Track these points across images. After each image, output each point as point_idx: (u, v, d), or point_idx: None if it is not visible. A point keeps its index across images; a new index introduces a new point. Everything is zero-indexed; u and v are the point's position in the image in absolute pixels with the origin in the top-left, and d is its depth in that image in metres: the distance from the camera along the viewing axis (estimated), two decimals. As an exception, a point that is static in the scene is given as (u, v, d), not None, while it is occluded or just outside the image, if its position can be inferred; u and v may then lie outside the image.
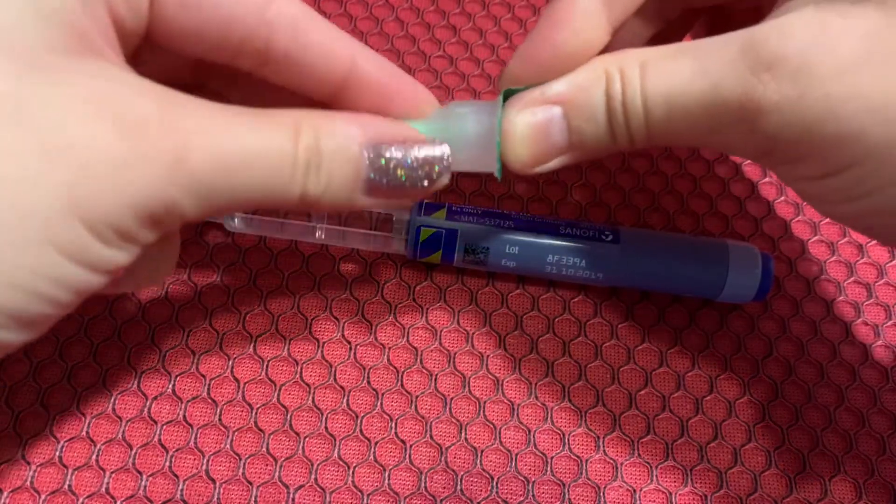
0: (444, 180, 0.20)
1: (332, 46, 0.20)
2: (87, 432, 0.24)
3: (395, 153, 0.19)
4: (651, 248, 0.27)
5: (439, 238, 0.26)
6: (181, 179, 0.16)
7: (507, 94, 0.21)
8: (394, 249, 0.27)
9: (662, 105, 0.19)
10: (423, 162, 0.19)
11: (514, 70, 0.21)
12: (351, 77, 0.20)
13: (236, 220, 0.27)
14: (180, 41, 0.19)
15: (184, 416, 0.25)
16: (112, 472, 0.24)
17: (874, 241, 0.30)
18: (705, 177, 0.31)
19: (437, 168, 0.19)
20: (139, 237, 0.16)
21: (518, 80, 0.21)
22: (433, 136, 0.20)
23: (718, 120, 0.19)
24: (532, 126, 0.20)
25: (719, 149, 0.20)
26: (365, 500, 0.24)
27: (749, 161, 0.32)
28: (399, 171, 0.19)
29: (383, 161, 0.19)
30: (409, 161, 0.19)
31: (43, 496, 0.23)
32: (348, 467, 0.25)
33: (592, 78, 0.20)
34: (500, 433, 0.25)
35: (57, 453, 0.24)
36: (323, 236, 0.27)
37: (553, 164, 0.21)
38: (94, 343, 0.26)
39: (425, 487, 0.24)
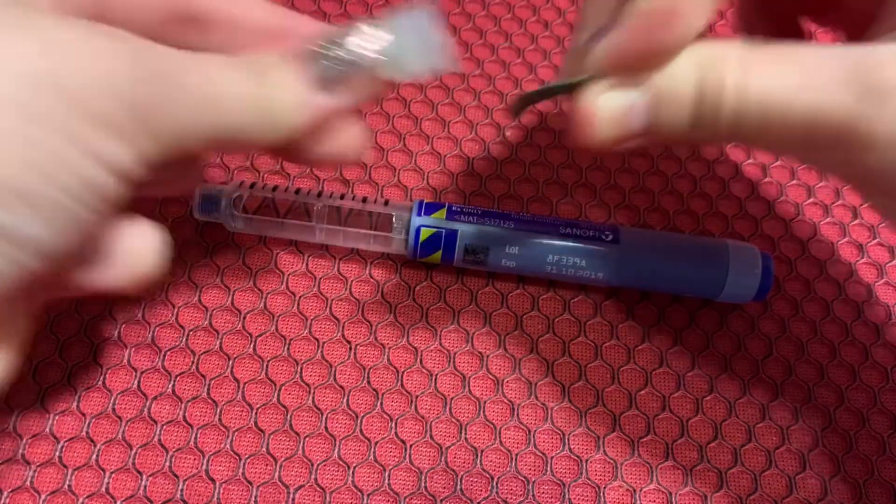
0: (386, 53, 0.20)
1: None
2: (87, 432, 0.24)
3: (330, 43, 0.19)
4: (651, 248, 0.27)
5: (439, 238, 0.26)
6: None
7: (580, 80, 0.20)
8: (394, 249, 0.27)
9: (759, 112, 0.18)
10: (359, 43, 0.20)
11: (604, 61, 0.20)
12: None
13: (236, 220, 0.27)
14: (129, 19, 0.20)
15: (184, 416, 0.25)
16: (112, 472, 0.24)
17: (874, 241, 0.30)
18: (705, 177, 0.31)
19: (372, 44, 0.20)
20: (135, 140, 0.17)
21: (607, 72, 0.20)
22: (383, 49, 0.20)
23: (816, 139, 0.18)
24: (615, 110, 0.20)
25: (810, 165, 0.20)
26: (365, 500, 0.24)
27: (749, 161, 0.32)
28: (339, 55, 0.19)
29: (322, 52, 0.19)
30: (345, 46, 0.20)
31: (43, 496, 0.23)
32: (348, 467, 0.25)
33: (686, 70, 0.19)
34: (500, 433, 0.25)
35: (57, 453, 0.24)
36: (323, 236, 0.27)
37: (626, 145, 0.21)
38: (94, 343, 0.26)
39: (425, 487, 0.24)
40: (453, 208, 0.27)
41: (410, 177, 0.30)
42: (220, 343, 0.26)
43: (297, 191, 0.27)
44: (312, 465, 0.24)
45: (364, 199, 0.27)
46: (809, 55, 0.18)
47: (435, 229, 0.26)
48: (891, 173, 0.17)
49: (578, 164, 0.31)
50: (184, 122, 0.18)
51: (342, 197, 0.27)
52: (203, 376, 0.26)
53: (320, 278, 0.28)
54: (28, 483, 0.23)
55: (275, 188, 0.27)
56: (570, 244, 0.26)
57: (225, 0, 0.21)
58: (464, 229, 0.26)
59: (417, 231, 0.26)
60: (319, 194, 0.27)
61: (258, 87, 0.19)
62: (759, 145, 0.20)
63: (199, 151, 0.20)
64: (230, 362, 0.26)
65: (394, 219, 0.27)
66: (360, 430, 0.25)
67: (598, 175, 0.31)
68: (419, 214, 0.27)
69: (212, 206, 0.27)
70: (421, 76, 0.20)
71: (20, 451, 0.24)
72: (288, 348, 0.26)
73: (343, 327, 0.27)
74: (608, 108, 0.20)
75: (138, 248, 0.20)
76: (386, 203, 0.27)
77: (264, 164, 0.30)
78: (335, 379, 0.26)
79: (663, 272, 0.27)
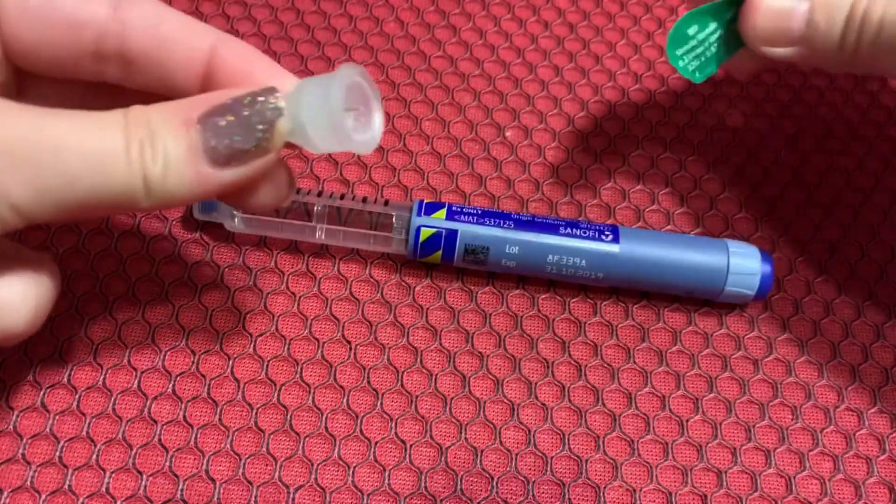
0: (284, 126, 0.19)
1: (189, 36, 0.20)
2: (87, 432, 0.24)
3: (223, 116, 0.18)
4: (651, 248, 0.27)
5: (439, 238, 0.26)
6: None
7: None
8: (394, 249, 0.27)
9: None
10: (253, 113, 0.18)
11: None
12: (213, 67, 0.20)
13: (237, 219, 0.27)
14: (36, 52, 0.19)
15: (184, 416, 0.25)
16: (112, 472, 0.24)
17: (874, 241, 0.30)
18: (705, 177, 0.31)
19: (269, 112, 0.18)
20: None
21: None
22: (290, 124, 0.19)
23: None
24: (779, 5, 0.23)
25: None
26: (365, 500, 0.24)
27: (749, 161, 0.32)
28: (234, 131, 0.18)
29: (215, 126, 0.18)
30: (239, 118, 0.18)
31: (43, 496, 0.23)
32: (348, 467, 0.25)
33: None
34: (500, 433, 0.25)
35: (57, 453, 0.24)
36: (323, 236, 0.27)
37: (781, 51, 0.23)
38: (94, 343, 0.26)
39: (425, 487, 0.24)
40: (453, 208, 0.27)
41: (410, 177, 0.30)
42: (220, 343, 0.26)
43: (298, 191, 0.27)
44: (312, 465, 0.24)
45: (364, 199, 0.27)
46: None
47: (435, 229, 0.26)
48: None
49: (578, 163, 0.31)
50: (48, 192, 0.17)
51: (342, 197, 0.27)
52: (203, 376, 0.26)
53: (320, 278, 0.28)
54: (28, 483, 0.24)
55: (275, 188, 0.27)
56: (570, 244, 0.26)
57: (143, 33, 0.20)
58: (464, 229, 0.26)
59: (417, 231, 0.26)
60: (319, 194, 0.27)
61: (150, 157, 0.17)
62: None
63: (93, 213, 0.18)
64: (230, 362, 0.26)
65: (394, 219, 0.27)
66: (361, 430, 0.25)
67: (598, 175, 0.31)
68: (419, 214, 0.27)
69: (212, 206, 0.27)
70: (325, 152, 0.19)
71: (20, 450, 0.24)
72: (288, 348, 0.26)
73: (343, 327, 0.27)
74: (774, 2, 0.23)
75: (5, 299, 0.18)
76: (386, 203, 0.27)
77: (264, 164, 0.30)
78: (335, 379, 0.26)
79: (663, 272, 0.27)
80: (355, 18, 0.34)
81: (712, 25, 0.24)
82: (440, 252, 0.27)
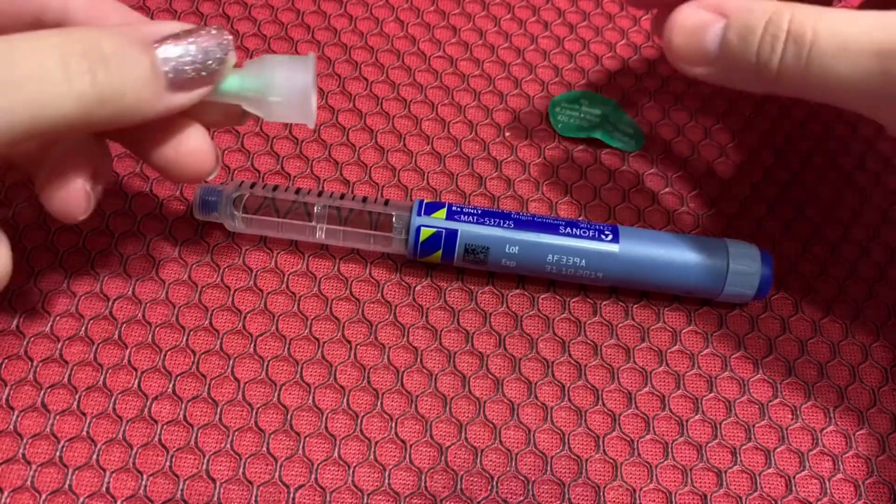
0: (232, 58, 0.21)
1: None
2: (88, 432, 0.24)
3: (182, 42, 0.20)
4: (651, 248, 0.27)
5: (439, 238, 0.26)
6: None
7: None
8: (394, 249, 0.27)
9: (833, 44, 0.20)
10: (212, 43, 0.20)
11: None
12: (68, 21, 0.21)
13: (237, 220, 0.27)
14: None
15: (184, 416, 0.25)
16: (112, 472, 0.24)
17: (875, 241, 0.30)
18: (705, 177, 0.31)
19: (224, 44, 0.20)
20: None
21: None
22: (251, 88, 0.21)
23: (887, 79, 0.19)
24: (692, 21, 0.22)
25: (873, 114, 0.22)
26: (365, 500, 0.24)
27: (749, 161, 0.32)
28: (194, 58, 0.20)
29: (174, 52, 0.19)
30: (199, 47, 0.20)
31: (43, 496, 0.23)
32: (348, 467, 0.25)
33: (759, 9, 0.21)
34: (500, 433, 0.26)
35: (57, 453, 0.24)
36: (323, 236, 0.27)
37: (700, 70, 0.23)
38: (95, 343, 0.26)
39: (425, 487, 0.24)
40: (453, 208, 0.27)
41: (410, 177, 0.30)
42: (221, 343, 0.26)
43: (298, 191, 0.27)
44: (313, 464, 0.24)
45: (364, 199, 0.27)
46: (885, 14, 0.20)
47: (435, 229, 0.26)
48: None
49: (578, 163, 0.31)
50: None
51: (342, 197, 0.27)
52: (203, 376, 0.26)
53: (320, 278, 0.28)
54: (29, 483, 0.24)
55: (275, 188, 0.27)
56: (570, 244, 0.26)
57: (84, 8, 0.21)
58: (464, 229, 0.26)
59: (417, 231, 0.26)
60: (320, 194, 0.27)
61: (94, 77, 0.18)
62: (825, 87, 0.21)
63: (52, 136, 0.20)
64: (230, 362, 0.26)
65: (394, 219, 0.27)
66: (361, 430, 0.25)
67: (599, 175, 0.31)
68: (419, 214, 0.27)
69: (212, 206, 0.27)
70: (276, 120, 0.21)
71: (21, 450, 0.24)
72: (288, 348, 0.26)
73: (343, 327, 0.27)
74: (687, 16, 0.22)
75: None
76: (386, 203, 0.27)
77: (264, 165, 0.30)
78: (335, 379, 0.26)
79: (663, 272, 0.27)
80: (355, 18, 0.34)
81: None
82: (440, 252, 0.27)
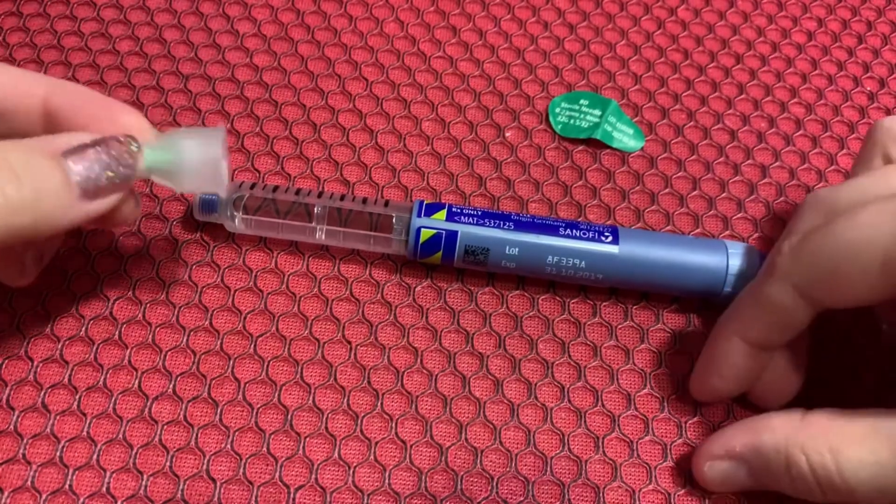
0: (141, 163, 0.21)
1: (16, 87, 0.22)
2: (88, 432, 0.24)
3: (93, 154, 0.20)
4: (650, 249, 0.27)
5: (439, 239, 0.26)
6: None
7: None
8: (394, 250, 0.27)
9: (868, 487, 0.21)
10: (120, 153, 0.21)
11: (693, 390, 0.26)
12: (50, 113, 0.22)
13: (237, 220, 0.27)
14: None
15: (184, 417, 0.25)
16: (113, 473, 0.24)
17: None
18: (705, 177, 0.31)
19: (132, 152, 0.21)
20: None
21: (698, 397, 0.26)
22: (161, 165, 0.22)
23: None
24: (720, 476, 0.24)
25: None
26: (365, 500, 0.24)
27: (748, 161, 0.32)
28: (102, 167, 0.20)
29: (85, 163, 0.20)
30: (109, 157, 0.20)
31: (44, 496, 0.23)
32: (349, 467, 0.25)
33: (772, 453, 0.22)
34: (500, 433, 0.26)
35: (58, 453, 0.24)
36: (323, 237, 0.27)
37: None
38: (95, 343, 0.26)
39: (425, 487, 0.24)
40: (453, 209, 0.27)
41: (410, 177, 0.30)
42: (221, 343, 0.26)
43: (298, 191, 0.27)
44: (313, 465, 0.25)
45: (364, 200, 0.27)
46: (886, 427, 0.21)
47: (435, 230, 0.26)
48: None
49: (578, 164, 0.31)
50: None
51: (342, 198, 0.27)
52: (204, 376, 0.26)
53: (321, 279, 0.28)
54: (29, 483, 0.24)
55: (275, 189, 0.27)
56: (570, 245, 0.26)
57: (14, 95, 0.22)
58: (464, 230, 0.26)
59: (417, 232, 0.26)
60: (320, 195, 0.27)
61: (18, 192, 0.19)
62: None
63: None
64: (231, 362, 0.26)
65: (394, 220, 0.27)
66: (361, 431, 0.25)
67: (598, 175, 0.31)
68: (419, 215, 0.27)
69: (211, 207, 0.27)
70: (187, 192, 0.23)
71: (21, 450, 0.24)
72: (288, 349, 0.26)
73: (343, 328, 0.27)
74: (715, 475, 0.24)
75: None
76: (386, 204, 0.27)
77: (264, 165, 0.30)
78: (336, 379, 0.26)
79: (663, 273, 0.27)
80: (355, 19, 0.34)
81: None
82: (440, 253, 0.27)
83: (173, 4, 0.34)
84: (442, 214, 0.27)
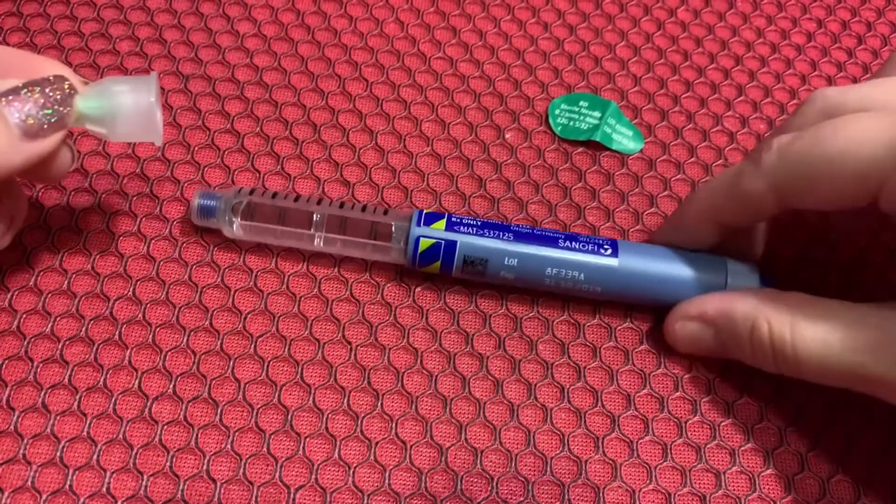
0: (75, 104, 0.21)
1: None
2: (88, 432, 0.24)
3: (28, 95, 0.21)
4: (650, 264, 0.26)
5: (438, 249, 0.26)
6: None
7: None
8: (392, 259, 0.27)
9: (814, 363, 0.23)
10: (56, 93, 0.21)
11: (659, 236, 0.28)
12: None
13: (235, 226, 0.27)
14: None
15: (184, 417, 0.25)
16: (113, 473, 0.24)
17: (875, 242, 0.30)
18: (703, 179, 0.31)
19: (67, 92, 0.21)
20: None
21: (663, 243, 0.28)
22: (95, 112, 0.22)
23: (862, 379, 0.22)
24: (689, 335, 0.26)
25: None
26: (365, 501, 0.24)
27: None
28: (38, 106, 0.21)
29: (22, 104, 0.20)
30: (45, 97, 0.21)
31: (44, 496, 0.23)
32: (349, 468, 0.25)
33: (740, 318, 0.24)
34: (499, 434, 0.26)
35: (58, 454, 0.24)
36: (321, 244, 0.27)
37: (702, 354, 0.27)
38: (95, 343, 0.26)
39: (425, 488, 0.25)
40: (452, 219, 0.27)
41: (410, 178, 0.30)
42: (221, 343, 0.26)
43: (297, 198, 0.27)
44: (313, 465, 0.25)
45: (363, 208, 0.27)
46: (847, 315, 0.22)
47: (434, 240, 0.26)
48: None
49: (578, 166, 0.31)
50: None
51: (342, 205, 0.27)
52: (204, 377, 0.26)
53: (321, 279, 0.28)
54: (29, 483, 0.24)
55: (274, 195, 0.27)
56: (569, 257, 0.26)
57: None
58: (463, 240, 0.26)
59: (416, 241, 0.26)
60: (319, 202, 0.27)
61: None
62: (822, 378, 0.23)
63: None
64: (231, 363, 0.26)
65: (393, 228, 0.27)
66: (361, 431, 0.25)
67: (598, 177, 0.31)
68: (418, 224, 0.26)
69: (210, 212, 0.27)
70: (121, 140, 0.23)
71: (21, 451, 0.24)
72: (288, 349, 0.26)
73: (343, 328, 0.27)
74: (684, 334, 0.26)
75: None
76: (385, 212, 0.27)
77: (264, 166, 0.30)
78: (336, 380, 0.26)
79: (662, 287, 0.26)
80: (355, 19, 0.34)
81: None
82: (439, 262, 0.27)
83: (173, 5, 0.34)
84: (441, 224, 0.27)
